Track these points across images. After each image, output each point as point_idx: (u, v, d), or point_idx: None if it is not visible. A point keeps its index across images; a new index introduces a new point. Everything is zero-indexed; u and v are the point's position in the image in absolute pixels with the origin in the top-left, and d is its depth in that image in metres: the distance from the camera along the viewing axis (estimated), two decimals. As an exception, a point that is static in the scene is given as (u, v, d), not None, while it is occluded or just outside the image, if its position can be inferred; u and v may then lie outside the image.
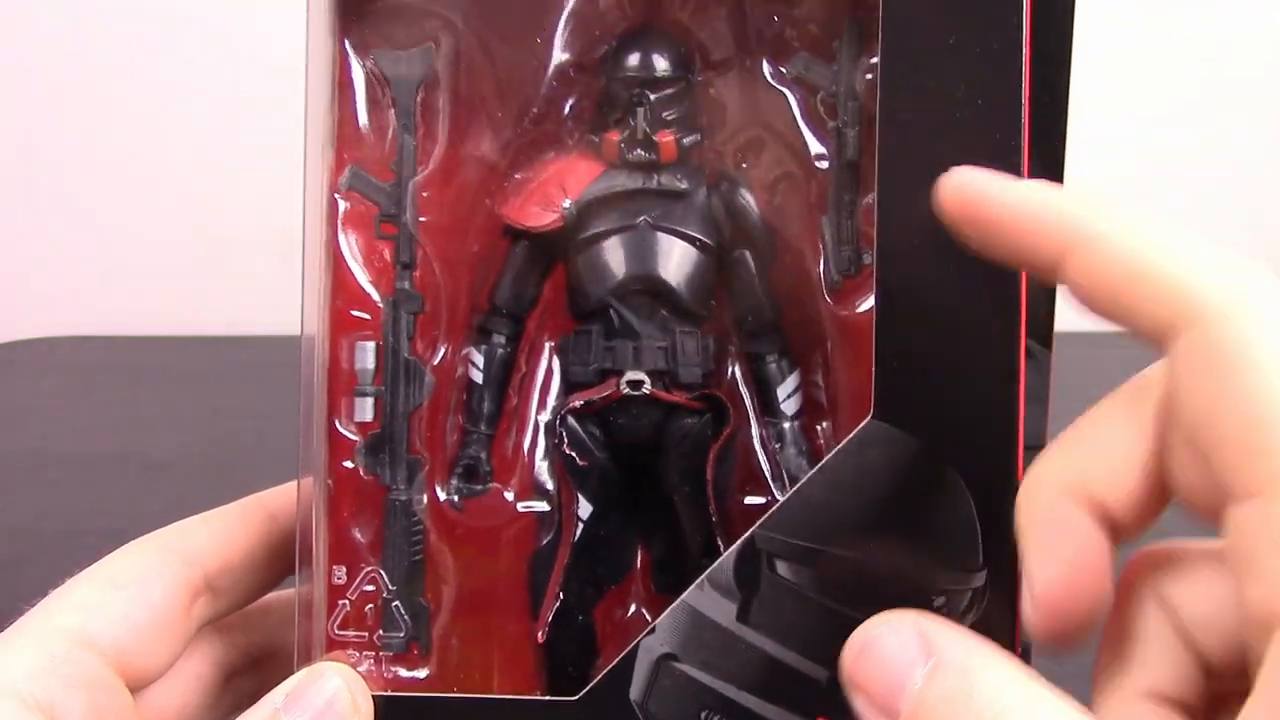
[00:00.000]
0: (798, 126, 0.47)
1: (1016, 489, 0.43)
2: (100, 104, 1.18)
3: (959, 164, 0.42)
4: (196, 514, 0.48)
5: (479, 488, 0.47)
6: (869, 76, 0.45)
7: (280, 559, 0.48)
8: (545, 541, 0.48)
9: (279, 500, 0.49)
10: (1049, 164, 0.44)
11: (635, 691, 0.44)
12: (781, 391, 0.48)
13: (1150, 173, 1.22)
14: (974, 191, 0.39)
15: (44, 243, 1.21)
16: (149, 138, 1.18)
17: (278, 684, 0.47)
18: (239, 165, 1.16)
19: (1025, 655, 0.56)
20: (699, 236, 0.46)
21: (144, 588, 0.44)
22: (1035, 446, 0.45)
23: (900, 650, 0.38)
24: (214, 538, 0.47)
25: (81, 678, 0.42)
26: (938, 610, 0.43)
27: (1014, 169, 0.42)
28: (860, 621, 0.43)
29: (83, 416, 1.05)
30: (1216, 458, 0.34)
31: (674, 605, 0.44)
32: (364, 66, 0.46)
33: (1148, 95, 1.22)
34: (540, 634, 0.47)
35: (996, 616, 0.44)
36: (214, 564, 0.46)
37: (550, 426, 0.47)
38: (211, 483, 0.49)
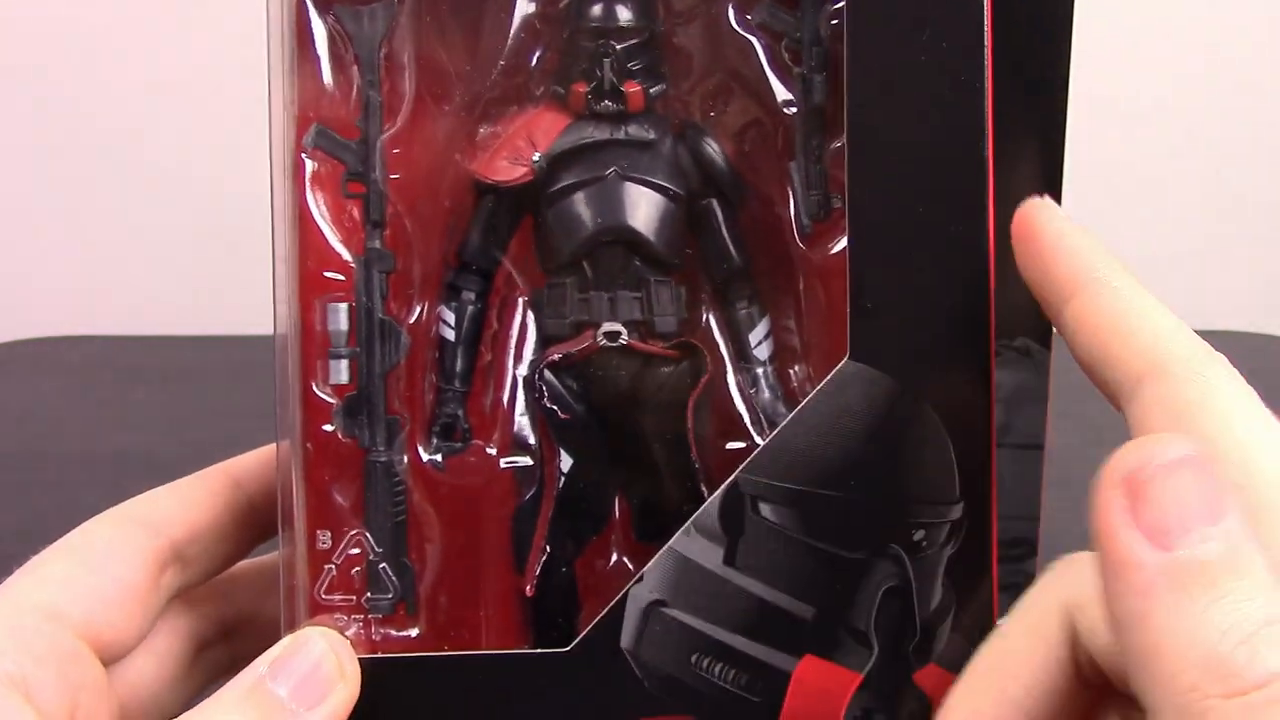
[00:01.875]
0: (764, 73, 0.47)
1: (990, 423, 0.44)
2: (100, 104, 1.18)
3: (924, 104, 0.43)
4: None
5: (458, 445, 0.47)
6: (834, 22, 0.45)
7: (249, 527, 0.48)
8: (528, 496, 0.47)
9: (244, 466, 0.49)
10: (1048, 164, 0.44)
11: (626, 639, 0.44)
12: (753, 337, 0.48)
13: (1151, 173, 1.23)
14: (1030, 220, 0.42)
15: (44, 243, 1.22)
16: (149, 137, 1.19)
17: (251, 655, 0.48)
18: (239, 165, 1.16)
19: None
20: (668, 185, 0.46)
21: (112, 560, 0.44)
22: (1035, 446, 0.45)
23: (1198, 497, 0.32)
24: (180, 507, 0.47)
25: (53, 652, 0.42)
26: (917, 543, 0.44)
27: (977, 109, 0.43)
28: (843, 560, 0.43)
29: (83, 416, 1.06)
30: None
31: (661, 552, 0.44)
32: (325, 24, 0.45)
33: (1147, 93, 1.21)
34: (528, 588, 0.47)
35: (974, 548, 0.44)
36: (181, 534, 0.46)
37: (529, 381, 0.47)
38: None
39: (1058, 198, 0.45)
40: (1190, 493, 0.32)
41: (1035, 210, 0.42)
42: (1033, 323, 0.44)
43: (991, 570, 0.44)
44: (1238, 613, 0.30)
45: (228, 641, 0.49)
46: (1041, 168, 0.44)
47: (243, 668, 0.47)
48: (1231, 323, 0.97)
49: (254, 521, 0.48)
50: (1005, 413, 0.45)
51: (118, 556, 0.44)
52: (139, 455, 0.98)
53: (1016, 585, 0.57)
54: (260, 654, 0.47)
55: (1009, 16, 0.43)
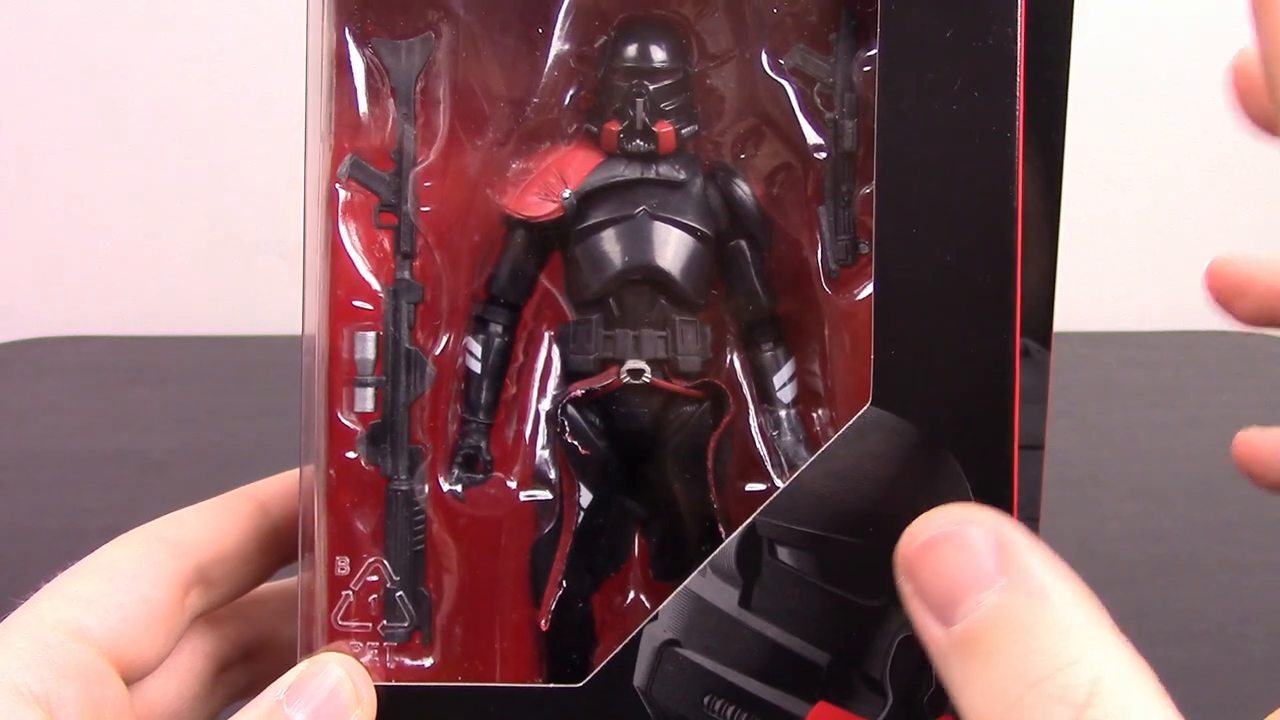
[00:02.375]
0: (795, 117, 0.47)
1: (1012, 473, 0.44)
2: (100, 103, 1.18)
3: (954, 154, 0.43)
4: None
5: (479, 476, 0.47)
6: (866, 69, 0.46)
7: (273, 550, 0.48)
8: (547, 530, 0.48)
9: (270, 491, 0.49)
10: (1048, 163, 0.44)
11: (639, 678, 0.44)
12: (777, 380, 0.48)
13: (1152, 172, 1.23)
14: (1235, 270, 0.42)
15: (44, 243, 1.21)
16: (149, 137, 1.19)
17: (271, 676, 0.48)
18: (240, 165, 1.17)
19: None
20: (697, 226, 0.47)
21: (137, 580, 0.45)
22: (1035, 446, 0.45)
23: (971, 562, 0.35)
24: (206, 529, 0.47)
25: (76, 670, 0.42)
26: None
27: (1008, 160, 0.43)
28: (860, 607, 0.43)
29: (83, 416, 1.06)
30: None
31: (676, 591, 0.44)
32: (364, 56, 0.46)
33: (1147, 92, 1.22)
34: (543, 622, 0.47)
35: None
36: (206, 555, 0.46)
37: (551, 415, 0.48)
38: (211, 483, 0.49)
39: (1058, 197, 0.45)
40: (954, 565, 0.34)
41: (1232, 263, 0.43)
42: (1033, 323, 0.44)
43: None
44: (1009, 678, 0.32)
45: (248, 663, 0.49)
46: (1042, 168, 0.44)
47: (262, 689, 0.47)
48: (1231, 322, 0.98)
49: (277, 546, 0.48)
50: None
51: (143, 577, 0.45)
52: (139, 455, 0.98)
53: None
54: (279, 677, 0.48)
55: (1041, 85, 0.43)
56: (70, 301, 1.21)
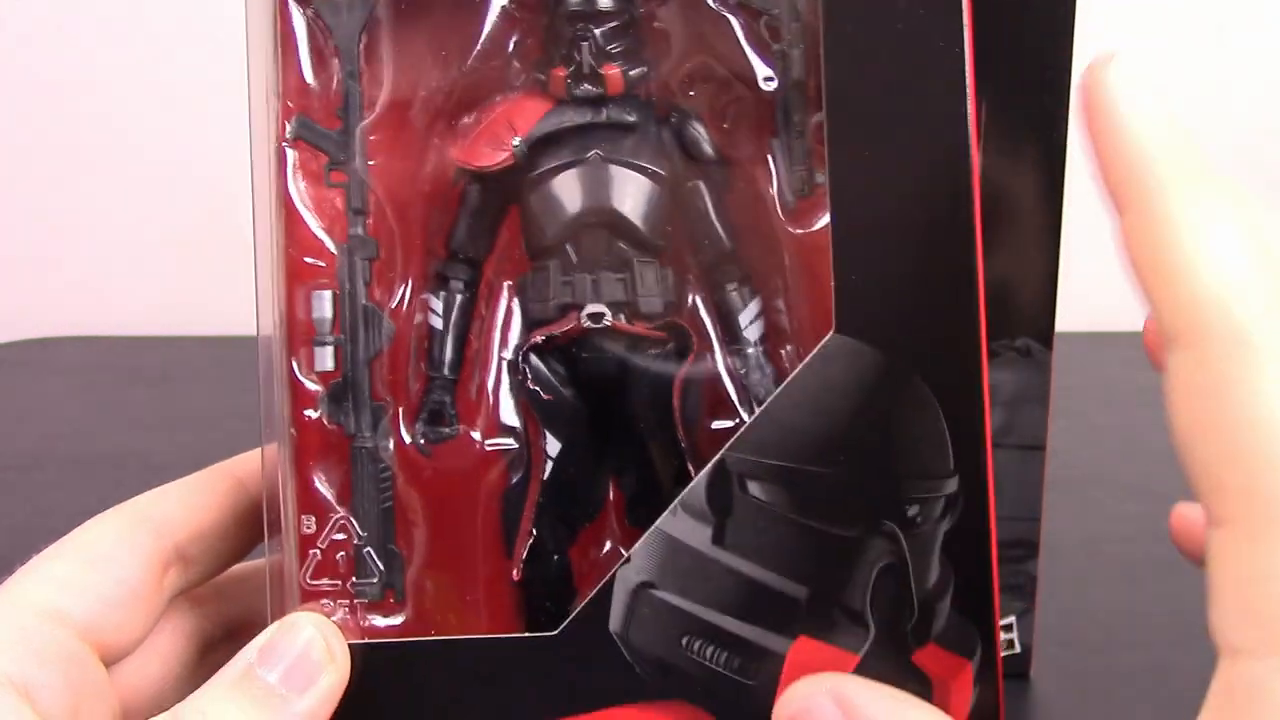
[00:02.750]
0: (743, 51, 0.47)
1: (982, 393, 0.43)
2: (100, 103, 1.18)
3: (903, 74, 0.43)
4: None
5: (446, 431, 0.47)
6: None
7: (251, 525, 0.48)
8: (515, 480, 0.47)
9: (247, 467, 0.49)
10: (1051, 164, 0.44)
11: (615, 623, 0.44)
12: (744, 318, 0.48)
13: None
14: (1092, 88, 0.35)
15: (44, 243, 1.22)
16: (149, 137, 1.19)
17: None
18: (240, 165, 1.16)
19: (1026, 657, 0.57)
20: (651, 167, 0.46)
21: (114, 561, 0.44)
22: (1035, 446, 0.45)
23: None
24: (184, 507, 0.47)
25: (55, 653, 0.42)
26: (912, 519, 0.44)
27: (958, 75, 0.42)
28: (835, 537, 0.43)
29: (83, 416, 1.06)
30: (1195, 480, 0.33)
31: (648, 533, 0.44)
32: (305, 15, 0.46)
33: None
34: (515, 572, 0.47)
35: (971, 522, 0.44)
36: (184, 533, 0.46)
37: (513, 364, 0.47)
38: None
39: (1058, 198, 0.45)
40: None
41: (1100, 73, 0.34)
42: (1034, 323, 0.43)
43: (990, 544, 0.44)
44: None
45: (231, 642, 0.49)
46: (1042, 168, 0.43)
47: None
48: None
49: (255, 521, 0.48)
50: (1006, 413, 0.44)
51: (121, 557, 0.44)
52: (139, 455, 0.98)
53: (1018, 586, 0.57)
54: None
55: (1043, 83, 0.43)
56: (70, 301, 1.21)
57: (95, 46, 1.17)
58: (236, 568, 0.50)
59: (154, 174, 1.19)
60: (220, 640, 0.49)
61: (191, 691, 0.47)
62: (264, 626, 0.48)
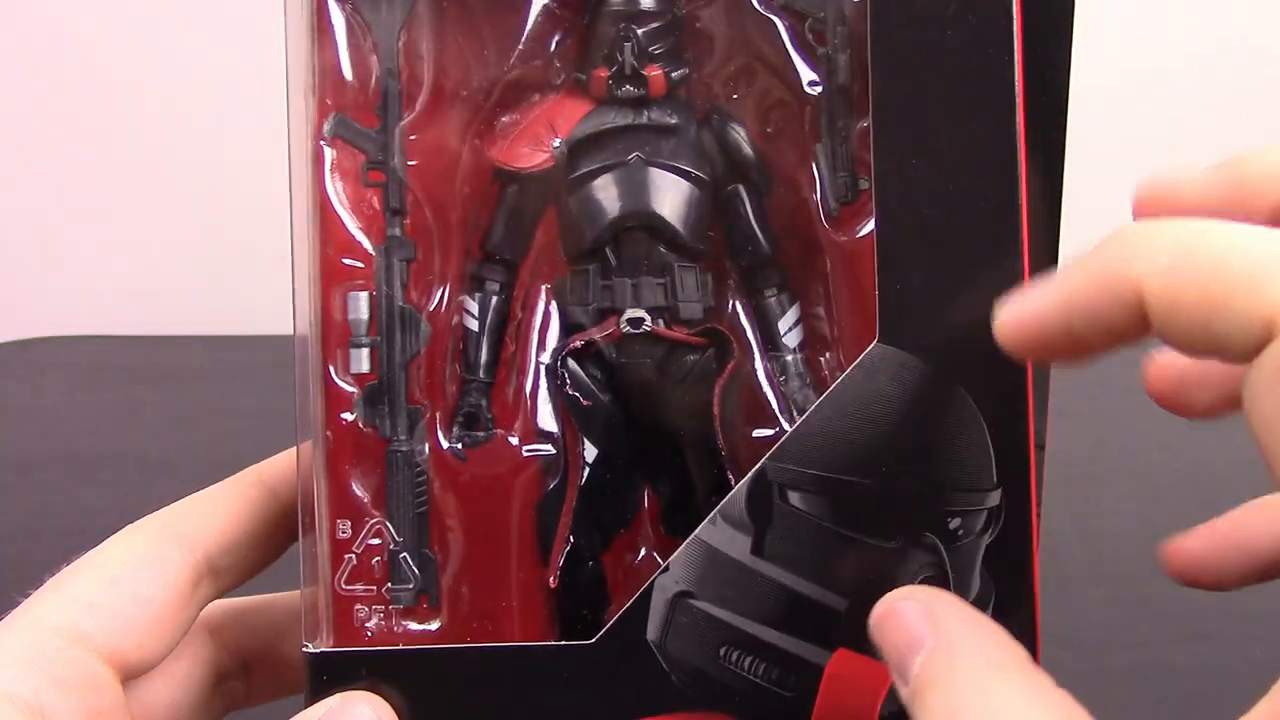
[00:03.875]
0: (788, 54, 0.46)
1: (1027, 405, 0.43)
2: (100, 102, 1.17)
3: (951, 81, 0.42)
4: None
5: (481, 435, 0.47)
6: (857, 0, 0.45)
7: (280, 531, 0.47)
8: (552, 486, 0.47)
9: (274, 471, 0.48)
10: (1049, 164, 0.44)
11: (652, 632, 0.43)
12: (783, 325, 0.47)
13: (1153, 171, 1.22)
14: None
15: (44, 243, 1.21)
16: (149, 136, 1.18)
17: (270, 689, 0.49)
18: (240, 164, 1.16)
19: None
20: (692, 170, 0.46)
21: (142, 580, 0.44)
22: (1038, 446, 0.44)
23: (906, 631, 0.39)
24: (214, 518, 0.46)
25: (74, 677, 0.41)
26: (954, 532, 0.43)
27: (1007, 84, 0.42)
28: (876, 549, 0.42)
29: (83, 416, 1.05)
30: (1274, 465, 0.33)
31: (687, 542, 0.43)
32: (344, 12, 0.45)
33: (1148, 91, 1.21)
34: (551, 579, 0.46)
35: (1013, 535, 0.43)
36: (215, 546, 0.46)
37: (551, 369, 0.47)
38: (211, 483, 0.49)
39: (1058, 198, 0.44)
40: (896, 632, 0.38)
41: None
42: None
43: (1032, 558, 0.44)
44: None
45: (247, 674, 0.49)
46: (1042, 168, 0.43)
47: (260, 702, 0.48)
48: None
49: (286, 525, 0.47)
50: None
51: (146, 574, 0.44)
52: (139, 455, 0.98)
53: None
54: (278, 690, 0.48)
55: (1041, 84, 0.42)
56: (70, 301, 1.20)
57: (98, 45, 1.17)
58: (260, 598, 0.50)
59: (154, 174, 1.19)
60: (236, 672, 0.49)
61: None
62: (279, 661, 0.48)
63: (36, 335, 1.17)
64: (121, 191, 1.19)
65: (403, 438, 0.45)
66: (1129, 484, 0.88)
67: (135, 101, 1.18)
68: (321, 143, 0.45)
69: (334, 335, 0.45)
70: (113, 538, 0.45)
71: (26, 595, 0.44)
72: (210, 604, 0.47)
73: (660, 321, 0.46)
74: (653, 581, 0.43)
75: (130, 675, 0.43)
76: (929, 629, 0.38)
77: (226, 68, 1.14)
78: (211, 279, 1.21)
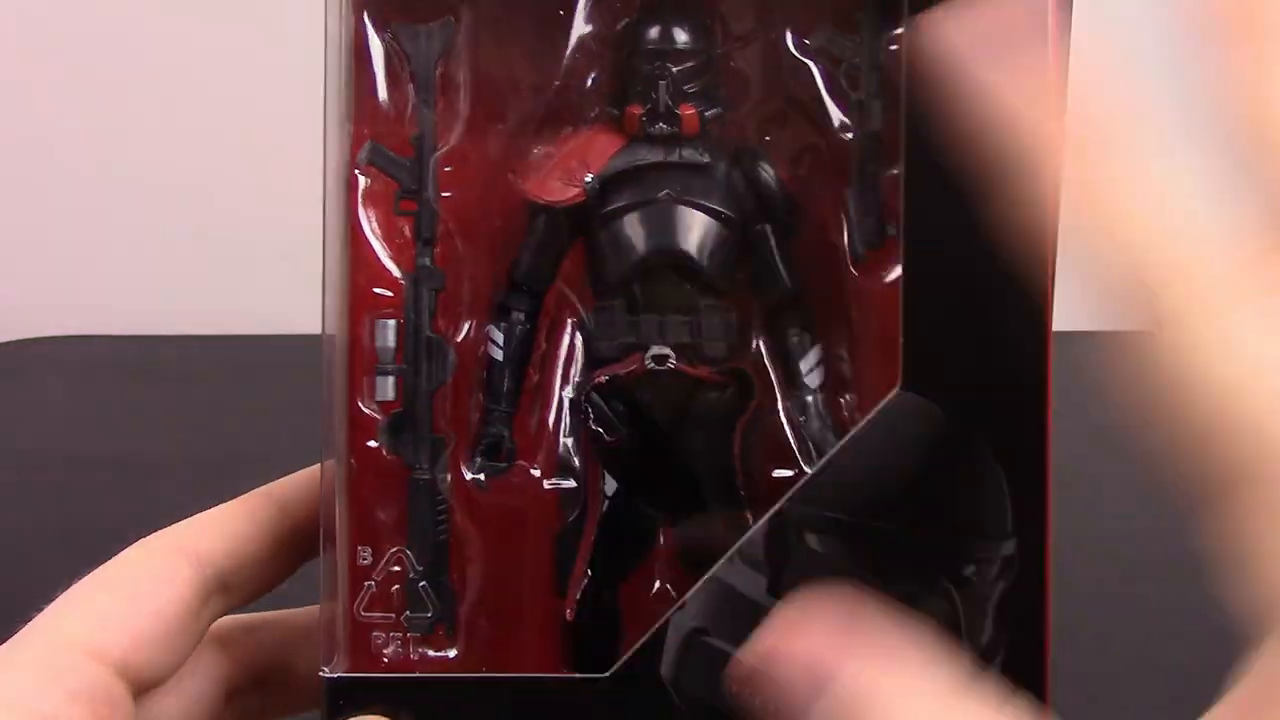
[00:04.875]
0: (821, 98, 0.47)
1: (1045, 456, 0.43)
2: (100, 101, 1.17)
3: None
4: (202, 511, 0.47)
5: (503, 465, 0.47)
6: (893, 48, 0.45)
7: (292, 550, 0.48)
8: (571, 519, 0.47)
9: (288, 490, 0.48)
10: None
11: (666, 668, 0.44)
12: (804, 365, 0.47)
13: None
14: None
15: (44, 243, 1.21)
16: (149, 136, 1.18)
17: (282, 706, 0.48)
18: (240, 164, 1.16)
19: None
20: (721, 210, 0.46)
21: (154, 594, 0.44)
22: None
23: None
24: (225, 534, 0.46)
25: (89, 691, 0.41)
26: (967, 579, 0.43)
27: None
28: (890, 594, 0.43)
29: (83, 416, 1.05)
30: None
31: (704, 580, 0.44)
32: (383, 41, 0.45)
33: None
34: (568, 612, 0.47)
35: (1027, 585, 0.44)
36: (227, 563, 0.46)
37: (575, 403, 0.47)
38: (212, 483, 0.49)
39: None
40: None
41: None
42: None
43: (1045, 608, 0.44)
44: None
45: (259, 690, 0.49)
46: None
47: (271, 718, 0.48)
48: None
49: (297, 545, 0.47)
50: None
51: (159, 589, 0.44)
52: (139, 455, 0.98)
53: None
54: (290, 706, 0.48)
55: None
56: (70, 301, 1.20)
57: (97, 43, 1.17)
58: (272, 614, 0.50)
59: (154, 174, 1.19)
60: (247, 687, 0.48)
61: None
62: (291, 678, 0.48)
63: (36, 335, 1.17)
64: (122, 192, 1.19)
65: (425, 466, 0.45)
66: (1129, 484, 0.88)
67: (136, 102, 1.18)
68: (356, 170, 0.45)
69: (361, 361, 0.45)
70: (123, 552, 0.45)
71: (29, 599, 0.44)
72: (221, 619, 0.47)
73: (684, 359, 0.46)
74: (668, 618, 0.44)
75: (141, 689, 0.43)
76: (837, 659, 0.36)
77: (226, 69, 1.15)
78: (212, 279, 1.21)
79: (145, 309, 1.20)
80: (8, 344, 1.16)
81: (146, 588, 0.44)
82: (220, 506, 0.48)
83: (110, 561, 0.45)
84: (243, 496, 0.48)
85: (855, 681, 0.35)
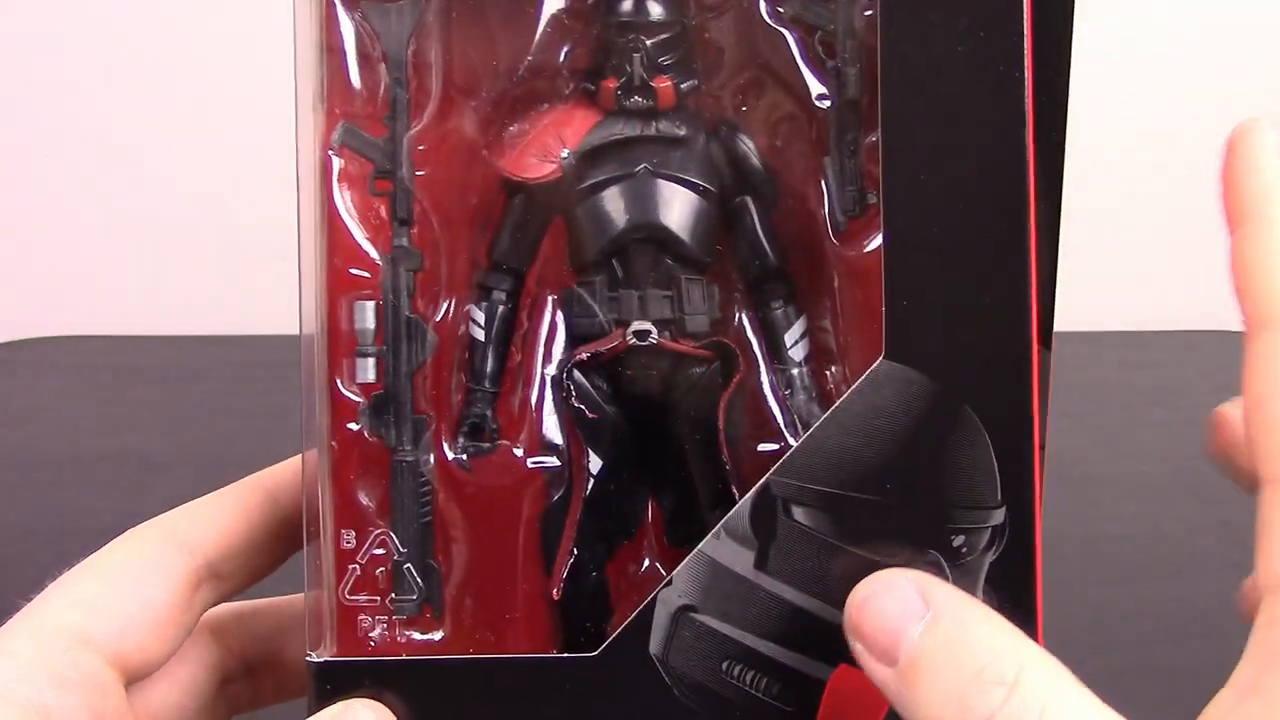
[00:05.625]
0: (797, 67, 0.46)
1: (1033, 424, 0.43)
2: (100, 102, 1.17)
3: (961, 96, 0.42)
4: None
5: (486, 445, 0.46)
6: (868, 13, 0.44)
7: (283, 538, 0.48)
8: (556, 498, 0.47)
9: (277, 479, 0.48)
10: (1049, 165, 0.44)
11: (655, 645, 0.43)
12: (788, 338, 0.47)
13: (1152, 171, 1.22)
14: (1237, 141, 0.40)
15: (44, 243, 1.21)
16: (149, 136, 1.18)
17: (274, 694, 0.49)
18: (240, 164, 1.16)
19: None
20: (700, 182, 0.46)
21: (144, 583, 0.44)
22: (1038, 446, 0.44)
23: (901, 604, 0.39)
24: (215, 523, 0.46)
25: (78, 679, 0.41)
26: (957, 549, 0.43)
27: (1018, 100, 0.42)
28: (881, 565, 0.42)
29: (83, 416, 1.05)
30: (1254, 445, 0.38)
31: (691, 556, 0.43)
32: (353, 21, 0.45)
33: (1148, 91, 1.21)
34: (555, 591, 0.46)
35: (1016, 554, 0.43)
36: (216, 551, 0.46)
37: (557, 380, 0.47)
38: (211, 483, 0.49)
39: (1059, 199, 0.44)
40: (887, 608, 0.40)
41: (1248, 132, 0.40)
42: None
43: (1035, 577, 0.43)
44: (951, 681, 0.37)
45: (251, 678, 0.49)
46: (1042, 170, 0.43)
47: (263, 705, 0.48)
48: (1231, 324, 0.98)
49: (288, 533, 0.47)
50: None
51: (149, 577, 0.44)
52: (139, 455, 0.98)
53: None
54: (282, 693, 0.49)
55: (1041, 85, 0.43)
56: (70, 301, 1.20)
57: (96, 44, 1.17)
58: (264, 601, 0.50)
59: (155, 173, 1.19)
60: (239, 675, 0.49)
61: None
62: (283, 665, 0.49)
63: (36, 335, 1.17)
64: (122, 192, 1.19)
65: (408, 448, 0.45)
66: (1129, 484, 0.88)
67: (136, 102, 1.18)
68: (330, 152, 0.45)
69: (340, 344, 0.45)
70: (114, 541, 0.45)
71: (27, 597, 0.44)
72: (213, 607, 0.47)
73: (667, 334, 0.46)
74: (656, 595, 0.43)
75: (133, 678, 0.43)
76: (921, 604, 0.39)
77: (228, 68, 1.15)
78: (212, 279, 1.21)
79: (145, 309, 1.20)
80: (7, 344, 1.16)
81: (136, 576, 0.44)
82: (210, 495, 0.47)
83: (100, 551, 0.45)
84: (232, 485, 0.48)
85: (944, 611, 0.39)
